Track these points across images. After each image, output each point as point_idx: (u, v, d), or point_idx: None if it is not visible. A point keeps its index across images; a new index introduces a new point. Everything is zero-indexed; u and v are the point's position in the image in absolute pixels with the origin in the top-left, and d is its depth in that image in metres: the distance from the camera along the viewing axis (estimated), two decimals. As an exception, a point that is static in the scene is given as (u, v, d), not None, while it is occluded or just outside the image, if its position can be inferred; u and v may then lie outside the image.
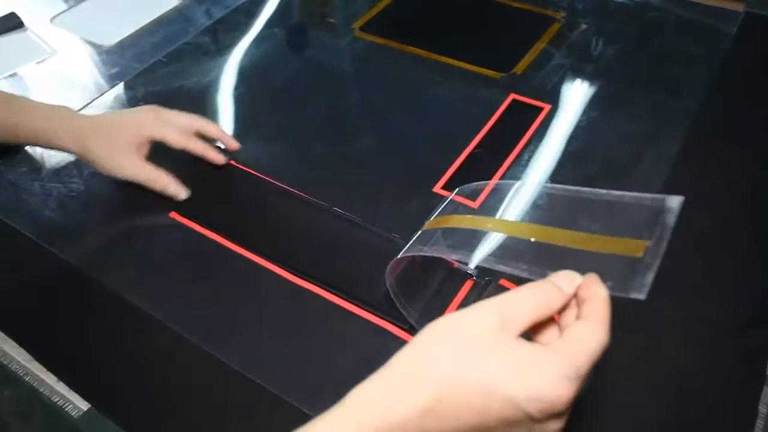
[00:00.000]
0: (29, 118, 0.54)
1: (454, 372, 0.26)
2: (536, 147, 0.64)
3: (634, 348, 0.47)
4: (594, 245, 0.32)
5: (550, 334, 0.29)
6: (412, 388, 0.26)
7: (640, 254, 0.29)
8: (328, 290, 0.52)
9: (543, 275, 0.30)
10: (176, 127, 0.57)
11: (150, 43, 0.83)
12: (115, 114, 0.57)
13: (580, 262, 0.30)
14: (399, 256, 0.44)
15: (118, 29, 0.85)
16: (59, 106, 0.57)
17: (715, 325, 0.49)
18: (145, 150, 0.57)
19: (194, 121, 0.59)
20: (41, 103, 0.56)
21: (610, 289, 0.28)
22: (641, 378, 0.46)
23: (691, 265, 0.53)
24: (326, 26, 0.87)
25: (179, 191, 0.58)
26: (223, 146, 0.62)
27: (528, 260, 0.32)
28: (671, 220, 0.31)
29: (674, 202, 0.31)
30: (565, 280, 0.29)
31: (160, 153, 0.59)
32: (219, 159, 0.60)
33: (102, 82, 0.78)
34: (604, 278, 0.29)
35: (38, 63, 0.81)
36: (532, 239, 0.33)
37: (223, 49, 0.83)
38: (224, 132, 0.61)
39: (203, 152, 0.59)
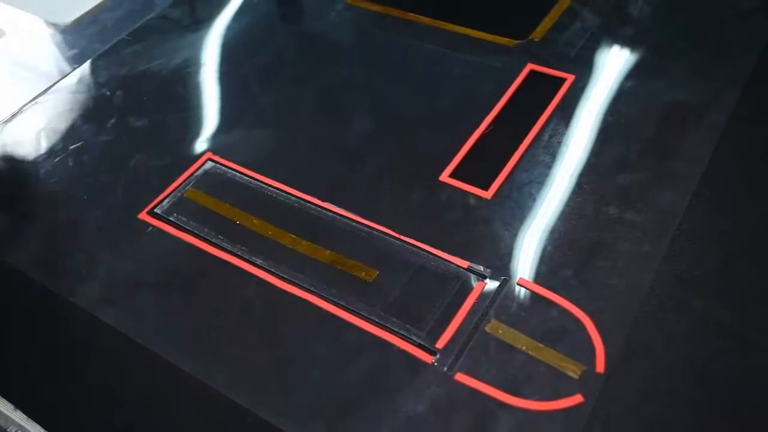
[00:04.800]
0: None
1: None
2: (559, 125, 0.64)
3: (682, 352, 0.48)
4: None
5: None
6: None
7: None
8: (324, 298, 0.52)
9: None
10: None
11: (112, 19, 0.84)
12: None
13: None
14: None
15: (75, 5, 0.86)
16: None
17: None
18: None
19: None
20: None
21: None
22: (689, 383, 0.46)
23: (742, 261, 0.53)
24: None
25: None
26: None
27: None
28: None
29: None
30: None
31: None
32: None
33: (60, 65, 0.79)
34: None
35: (-15, 46, 0.81)
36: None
37: (198, 24, 0.83)
38: None
39: None
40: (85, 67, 0.78)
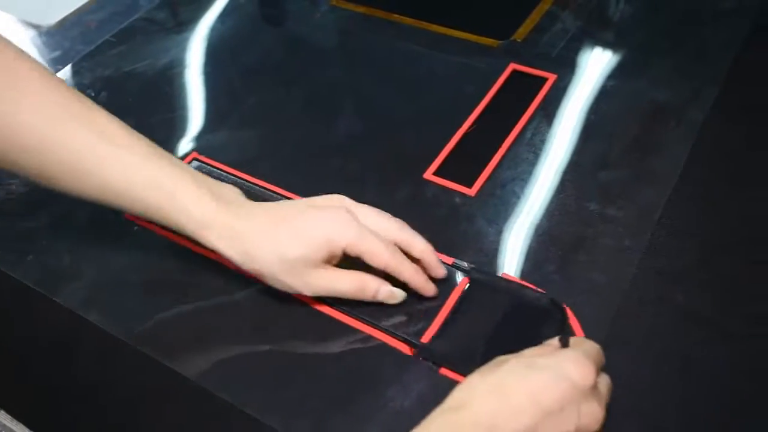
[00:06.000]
0: (182, 213, 0.46)
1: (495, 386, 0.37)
2: (541, 123, 0.65)
3: (663, 344, 0.48)
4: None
5: None
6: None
7: None
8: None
9: None
10: (378, 237, 0.46)
11: (96, 20, 0.84)
12: (295, 213, 0.46)
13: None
14: None
15: (58, 7, 0.85)
16: (222, 192, 0.48)
17: (750, 319, 0.50)
18: (337, 259, 0.47)
19: (396, 230, 0.48)
20: (199, 189, 0.46)
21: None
22: (671, 375, 0.47)
23: (720, 254, 0.54)
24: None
25: (392, 293, 0.48)
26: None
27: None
28: None
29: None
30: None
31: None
32: (429, 290, 0.49)
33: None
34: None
35: (-32, 48, 0.81)
36: None
37: (183, 25, 0.83)
38: (431, 252, 0.49)
39: (411, 279, 0.48)
40: (69, 68, 0.77)
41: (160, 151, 0.48)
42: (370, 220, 0.47)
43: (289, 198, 0.59)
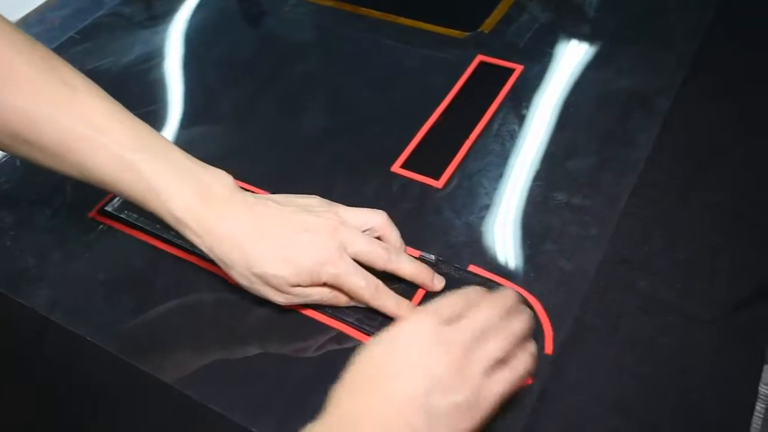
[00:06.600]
0: (160, 205, 0.45)
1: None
2: (508, 114, 0.65)
3: (628, 330, 0.49)
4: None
5: None
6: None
7: None
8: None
9: None
10: (361, 274, 0.46)
11: (60, 17, 0.83)
12: (285, 233, 0.45)
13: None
14: None
15: (21, 3, 0.84)
16: (209, 183, 0.46)
17: (712, 304, 0.50)
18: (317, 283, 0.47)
19: (383, 260, 0.48)
20: (180, 181, 0.44)
21: None
22: (637, 359, 0.47)
23: (684, 241, 0.54)
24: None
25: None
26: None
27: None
28: None
29: None
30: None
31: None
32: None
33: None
34: None
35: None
36: None
37: (148, 21, 0.82)
38: (422, 272, 0.50)
39: (393, 314, 0.48)
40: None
41: (146, 135, 0.46)
42: (358, 246, 0.46)
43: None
